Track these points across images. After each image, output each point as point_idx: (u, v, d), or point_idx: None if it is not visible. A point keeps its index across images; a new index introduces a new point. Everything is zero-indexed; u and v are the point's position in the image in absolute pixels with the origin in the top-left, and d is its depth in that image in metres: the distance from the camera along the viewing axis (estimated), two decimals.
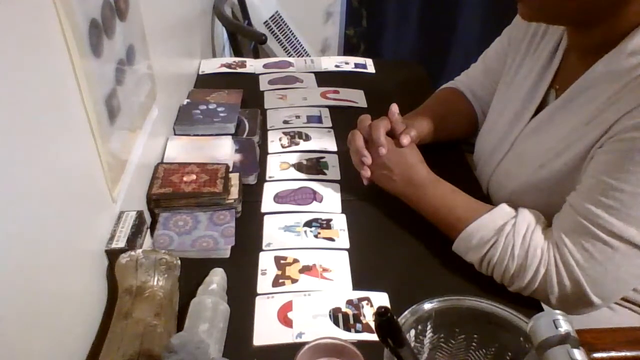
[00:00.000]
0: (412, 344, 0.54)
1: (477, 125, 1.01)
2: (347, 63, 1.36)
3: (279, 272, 0.74)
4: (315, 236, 0.81)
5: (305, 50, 2.16)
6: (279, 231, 0.81)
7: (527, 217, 0.71)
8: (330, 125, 1.08)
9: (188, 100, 1.10)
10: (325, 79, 1.26)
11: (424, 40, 2.30)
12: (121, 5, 0.71)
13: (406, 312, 0.55)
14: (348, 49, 2.40)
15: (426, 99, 1.02)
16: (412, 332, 0.55)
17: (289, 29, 2.09)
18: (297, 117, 1.10)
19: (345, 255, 0.77)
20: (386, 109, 0.86)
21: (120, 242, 0.67)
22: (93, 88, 0.61)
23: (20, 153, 0.48)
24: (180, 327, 0.63)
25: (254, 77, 1.27)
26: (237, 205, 0.82)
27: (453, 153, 1.02)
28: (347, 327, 0.67)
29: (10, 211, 0.46)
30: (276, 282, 0.73)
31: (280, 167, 0.96)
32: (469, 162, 1.00)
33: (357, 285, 0.73)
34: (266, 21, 2.01)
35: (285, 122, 1.08)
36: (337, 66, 1.34)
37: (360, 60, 1.38)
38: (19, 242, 0.48)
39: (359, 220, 0.84)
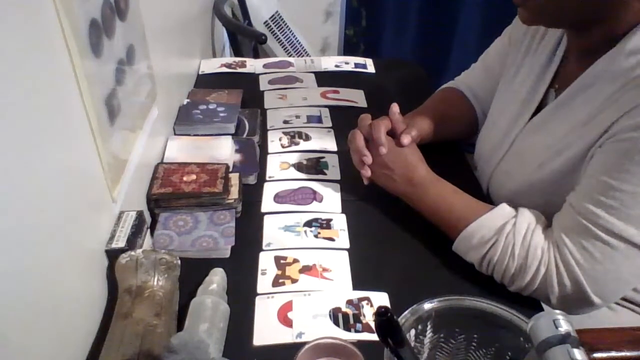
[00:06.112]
0: (412, 344, 0.54)
1: (478, 125, 1.01)
2: (347, 63, 1.36)
3: (279, 272, 0.74)
4: (315, 236, 0.81)
5: (305, 50, 2.15)
6: (279, 231, 0.81)
7: (527, 217, 0.71)
8: (330, 125, 1.08)
9: (188, 100, 1.10)
10: (325, 79, 1.27)
11: (424, 40, 2.29)
12: (121, 5, 0.71)
13: (406, 312, 0.55)
14: (348, 48, 2.40)
15: (426, 99, 1.02)
16: (412, 332, 0.55)
17: (289, 28, 2.09)
18: (297, 117, 1.10)
19: (345, 255, 0.77)
20: (386, 109, 0.86)
21: (120, 242, 0.67)
22: (93, 88, 0.61)
23: (20, 153, 0.48)
24: (180, 327, 0.63)
25: (254, 77, 1.27)
26: (237, 205, 0.82)
27: (453, 153, 1.02)
28: (347, 327, 0.67)
29: (10, 211, 0.46)
30: (276, 282, 0.73)
31: (280, 167, 0.96)
32: (469, 162, 1.00)
33: (357, 285, 0.73)
34: (266, 21, 2.01)
35: (285, 122, 1.08)
36: (337, 66, 1.35)
37: (360, 60, 1.38)
38: (19, 242, 0.48)
39: (359, 220, 0.84)
